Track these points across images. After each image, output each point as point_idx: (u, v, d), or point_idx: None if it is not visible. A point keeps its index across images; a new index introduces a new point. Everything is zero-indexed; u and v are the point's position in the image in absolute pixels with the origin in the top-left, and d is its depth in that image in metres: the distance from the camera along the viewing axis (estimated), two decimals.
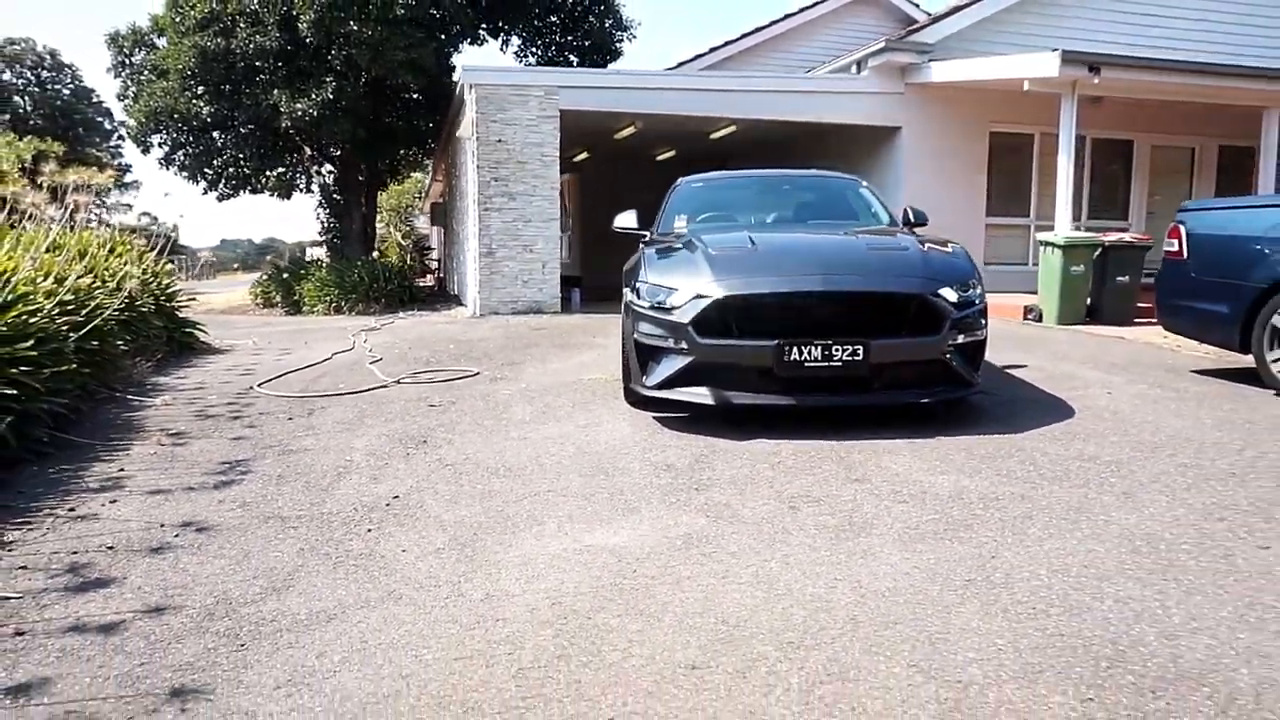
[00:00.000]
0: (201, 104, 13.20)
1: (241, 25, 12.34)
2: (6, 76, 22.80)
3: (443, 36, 12.92)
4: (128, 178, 32.85)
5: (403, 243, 25.22)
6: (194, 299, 8.72)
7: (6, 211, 5.53)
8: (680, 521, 2.89)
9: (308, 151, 15.24)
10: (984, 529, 2.76)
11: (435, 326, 9.50)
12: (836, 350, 3.87)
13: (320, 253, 21.58)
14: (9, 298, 3.96)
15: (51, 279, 5.02)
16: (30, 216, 5.64)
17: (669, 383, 4.14)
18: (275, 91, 12.23)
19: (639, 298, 4.33)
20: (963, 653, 1.96)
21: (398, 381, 5.63)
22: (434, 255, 21.50)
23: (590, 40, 16.43)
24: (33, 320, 4.13)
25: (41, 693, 1.87)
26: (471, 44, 16.62)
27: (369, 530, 2.89)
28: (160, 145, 15.15)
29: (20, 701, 1.84)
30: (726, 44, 15.89)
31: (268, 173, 14.82)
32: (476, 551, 2.69)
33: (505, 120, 10.45)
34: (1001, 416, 4.33)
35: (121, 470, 3.62)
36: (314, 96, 12.02)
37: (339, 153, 15.05)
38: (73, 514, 3.06)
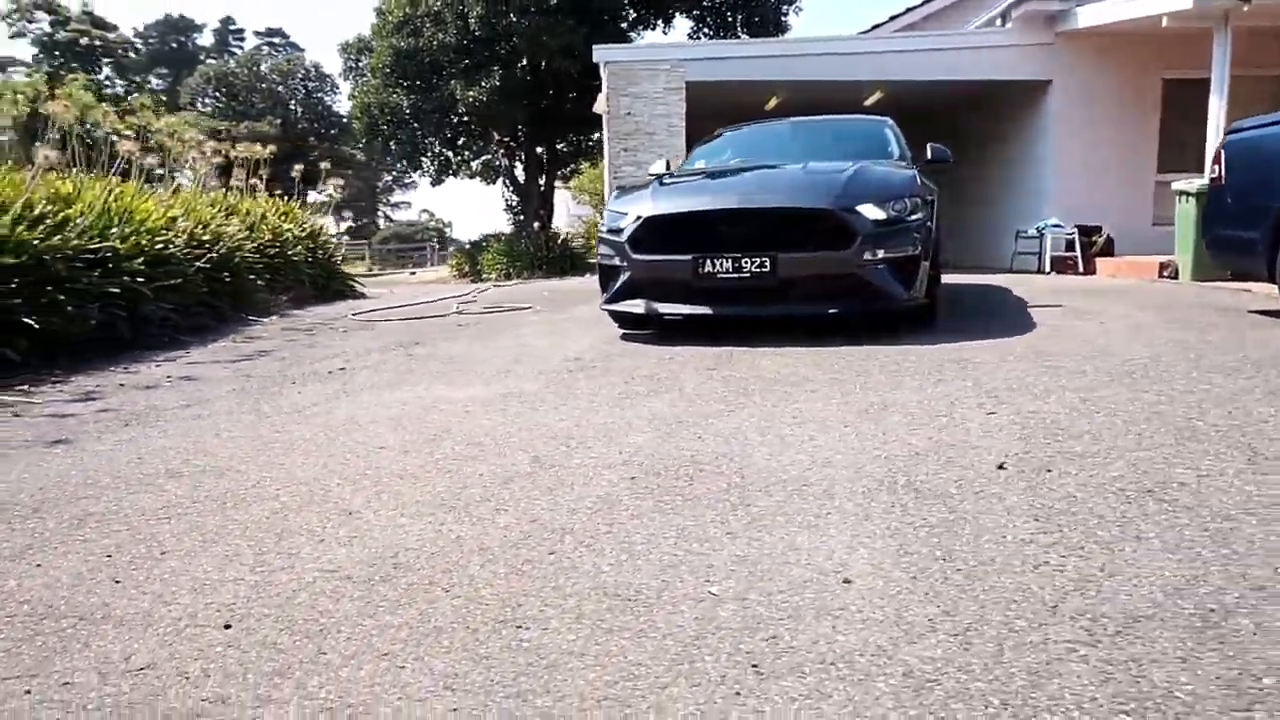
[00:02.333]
0: (400, 97, 15.17)
1: (427, 25, 14.06)
2: (281, 89, 27.08)
3: (607, 19, 13.89)
4: (408, 179, 37.15)
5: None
6: (413, 272, 10.32)
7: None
8: (522, 388, 3.46)
9: (496, 136, 16.90)
10: (760, 397, 3.09)
11: (563, 283, 10.44)
12: (746, 263, 4.20)
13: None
14: (127, 229, 5.26)
15: (195, 224, 6.44)
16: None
17: (615, 297, 4.66)
18: (452, 82, 13.82)
19: (602, 224, 4.88)
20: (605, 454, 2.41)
21: (458, 311, 6.56)
22: None
23: (758, 16, 16.74)
24: (153, 247, 5.44)
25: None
26: (644, 29, 17.57)
27: (294, 384, 3.73)
28: (378, 139, 17.49)
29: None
30: (908, 10, 15.47)
31: (463, 157, 16.63)
32: (356, 395, 3.44)
33: (634, 94, 11.16)
34: (938, 332, 4.42)
35: (185, 353, 4.78)
36: (484, 85, 13.46)
37: (511, 137, 16.57)
38: (129, 371, 4.19)
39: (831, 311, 4.27)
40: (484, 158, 18.42)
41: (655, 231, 4.46)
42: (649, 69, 11.11)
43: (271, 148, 8.77)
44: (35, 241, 4.40)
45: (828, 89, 12.40)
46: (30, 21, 28.86)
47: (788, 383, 3.30)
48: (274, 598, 1.56)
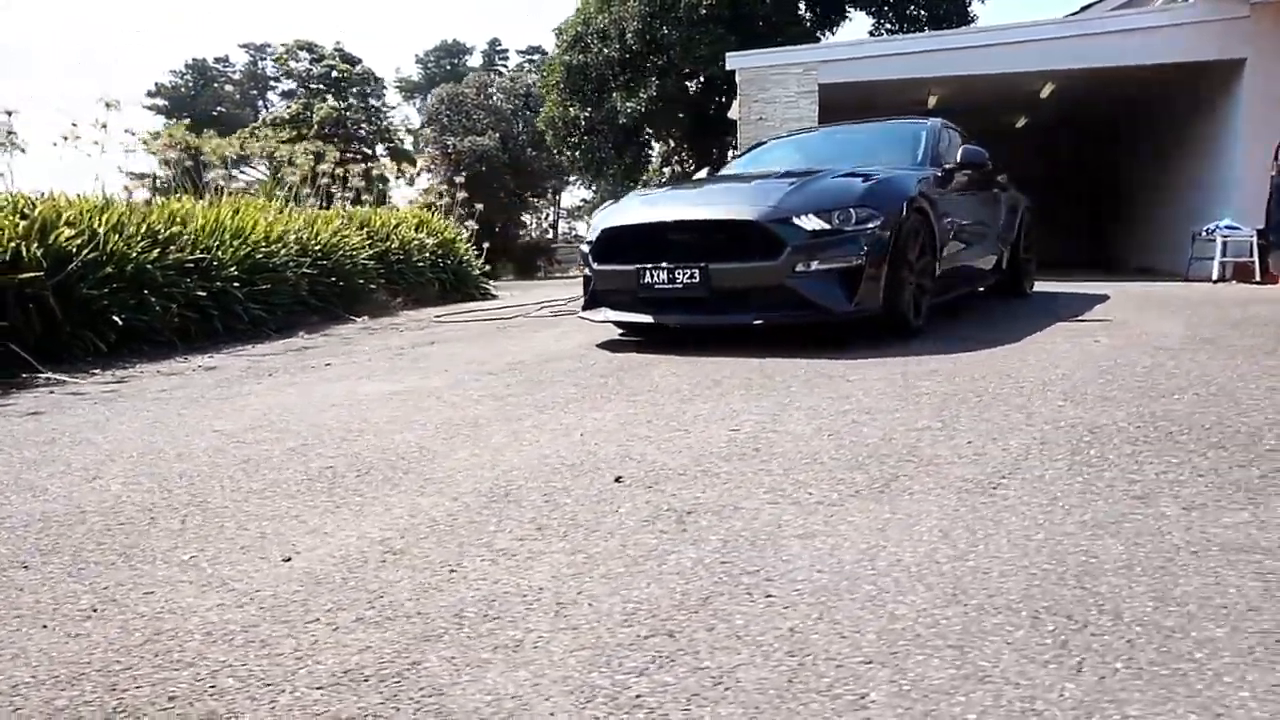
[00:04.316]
0: (574, 111, 16.14)
1: (595, 40, 14.86)
2: (506, 106, 29.50)
3: (761, 24, 13.93)
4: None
5: None
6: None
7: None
8: (426, 386, 3.88)
9: (658, 147, 17.46)
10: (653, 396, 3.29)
11: None
12: (679, 274, 4.33)
13: None
14: (235, 242, 6.31)
15: (311, 236, 7.49)
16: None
17: (585, 305, 4.96)
18: (614, 94, 14.51)
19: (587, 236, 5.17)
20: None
21: (526, 315, 7.12)
22: None
23: (941, 8, 15.89)
24: (252, 257, 6.46)
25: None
26: (822, 30, 17.27)
27: (271, 376, 4.42)
28: (565, 150, 18.66)
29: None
30: None
31: (623, 167, 17.35)
32: (299, 386, 4.03)
33: (765, 99, 11.19)
34: (907, 343, 4.27)
35: (249, 347, 5.69)
36: (642, 95, 14.02)
37: (675, 146, 16.98)
38: (181, 360, 5.13)
39: (757, 322, 4.28)
40: (657, 166, 19.06)
41: (611, 243, 4.70)
42: (779, 73, 11.08)
43: (394, 164, 9.82)
44: (134, 255, 5.48)
45: (990, 83, 11.66)
46: (295, 61, 34.08)
47: (627, 391, 3.45)
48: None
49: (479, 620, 1.46)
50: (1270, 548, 1.63)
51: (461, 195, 12.68)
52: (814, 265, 4.19)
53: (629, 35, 13.48)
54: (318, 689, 1.26)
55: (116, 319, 5.16)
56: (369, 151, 29.56)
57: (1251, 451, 2.25)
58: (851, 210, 4.25)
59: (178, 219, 6.17)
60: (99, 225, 5.38)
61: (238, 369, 4.69)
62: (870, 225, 4.26)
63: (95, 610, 1.57)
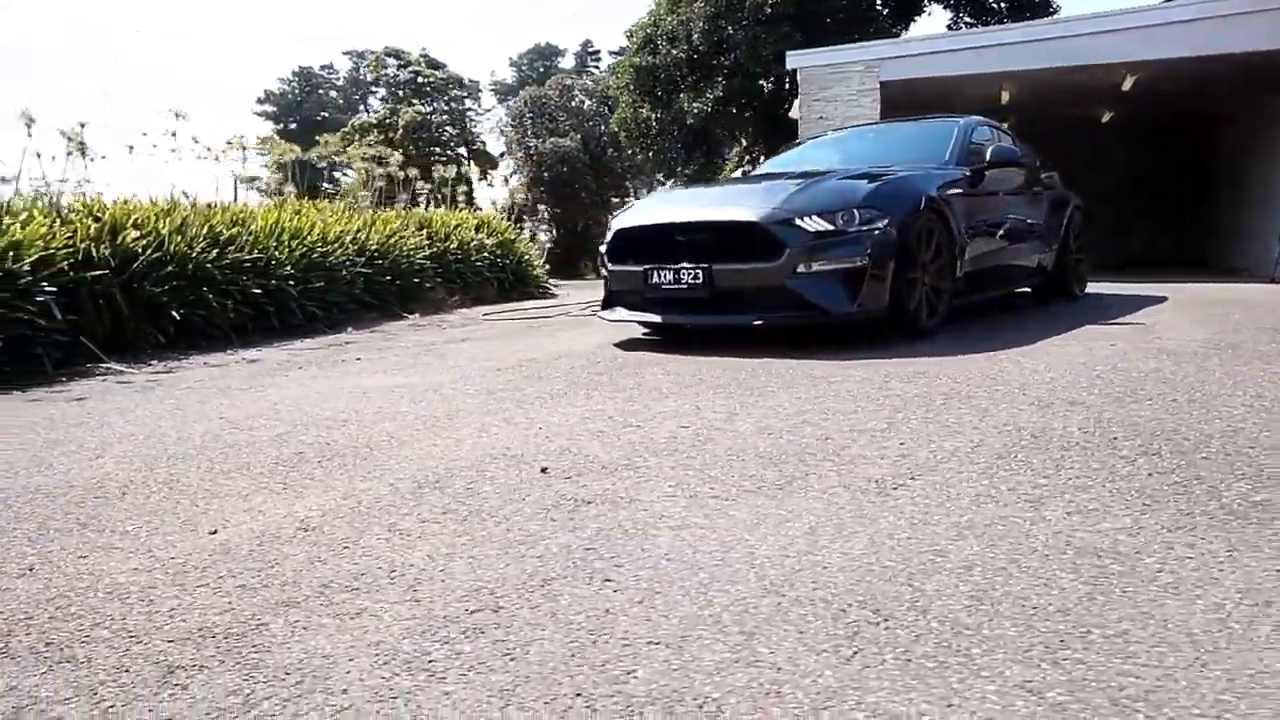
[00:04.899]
0: (644, 112, 16.30)
1: (663, 42, 14.98)
2: (588, 107, 29.99)
3: (829, 22, 13.77)
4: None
5: None
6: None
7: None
8: (430, 381, 4.09)
9: (735, 148, 17.44)
10: (645, 395, 3.42)
11: None
12: (684, 274, 4.41)
13: None
14: (294, 242, 6.70)
15: (369, 236, 7.86)
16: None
17: (603, 305, 5.08)
18: (681, 95, 14.60)
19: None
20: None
21: (566, 314, 7.30)
22: None
23: (1017, 2, 15.37)
24: (309, 256, 6.84)
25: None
26: (898, 26, 16.92)
27: (301, 369, 4.71)
28: (638, 151, 18.88)
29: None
30: None
31: (696, 167, 17.43)
32: (311, 380, 4.30)
33: (826, 98, 11.08)
34: (914, 345, 4.25)
35: (302, 342, 6.04)
36: (708, 95, 14.07)
37: (746, 146, 16.93)
38: (253, 345, 5.50)
39: (757, 323, 4.32)
40: (733, 166, 19.05)
41: (623, 244, 4.81)
42: (839, 71, 10.95)
43: (455, 168, 10.18)
44: (194, 254, 5.90)
45: (1065, 76, 11.24)
46: (385, 68, 35.54)
47: (612, 388, 3.56)
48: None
49: (339, 591, 1.60)
50: (1125, 553, 1.62)
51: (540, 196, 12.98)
52: (815, 266, 4.20)
53: (695, 36, 13.56)
54: (169, 642, 1.42)
55: (175, 314, 5.58)
56: (452, 154, 30.45)
57: (1183, 459, 2.20)
58: (855, 211, 4.25)
59: (239, 221, 6.60)
60: (163, 227, 5.82)
61: (275, 362, 5.01)
62: (875, 226, 4.25)
63: (31, 570, 1.79)
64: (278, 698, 1.24)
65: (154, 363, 5.11)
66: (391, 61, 36.58)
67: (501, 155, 33.71)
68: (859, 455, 2.36)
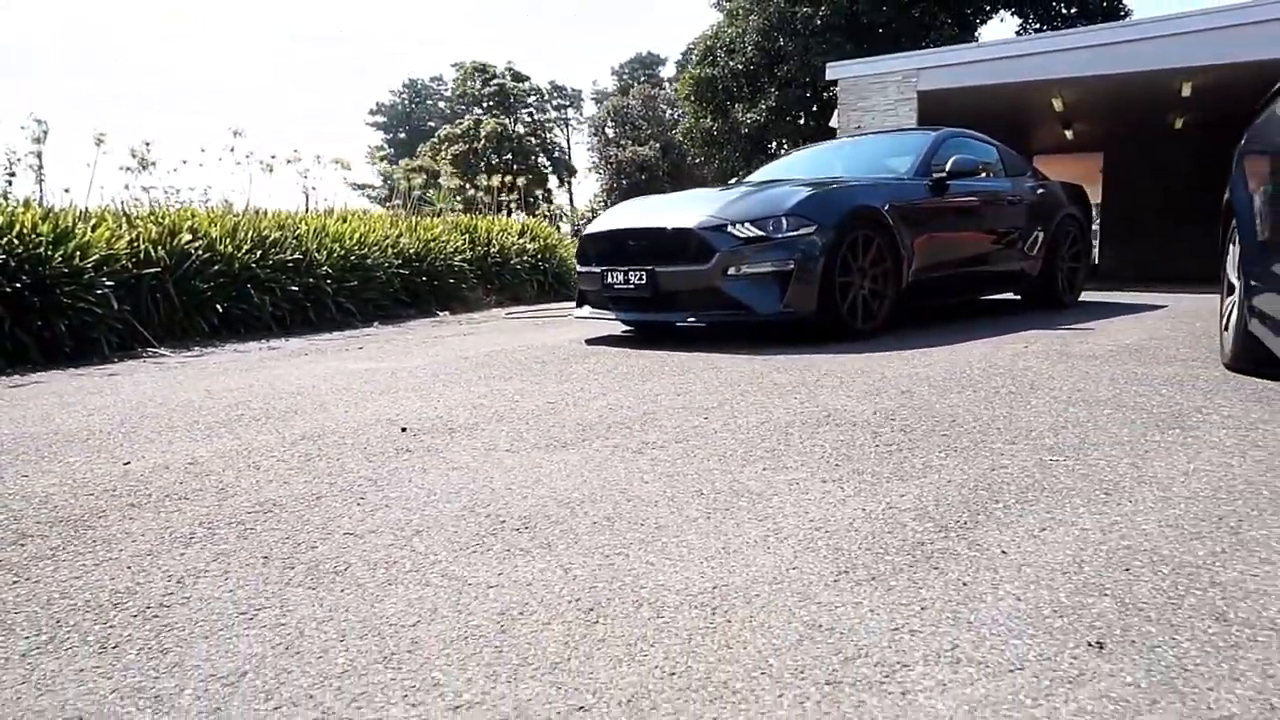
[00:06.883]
0: (705, 122, 16.75)
1: (721, 54, 15.40)
2: (669, 116, 30.68)
3: (882, 31, 13.90)
4: None
5: None
6: None
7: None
8: (407, 365, 4.69)
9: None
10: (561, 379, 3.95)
11: None
12: (631, 276, 4.88)
13: None
14: (334, 245, 7.49)
15: (411, 240, 8.61)
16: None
17: (576, 303, 5.60)
18: (737, 105, 14.98)
19: None
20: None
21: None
22: None
23: (1089, 3, 15.05)
24: (347, 258, 7.62)
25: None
26: (963, 34, 16.79)
27: (306, 357, 5.40)
28: (701, 159, 19.36)
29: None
30: None
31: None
32: (355, 362, 4.97)
33: (864, 108, 11.29)
34: (854, 344, 4.59)
35: (330, 334, 6.78)
36: (761, 105, 14.40)
37: None
38: (287, 336, 6.27)
39: (691, 320, 4.74)
40: None
41: (589, 248, 5.32)
42: (877, 82, 11.14)
43: (510, 178, 10.88)
44: (240, 255, 6.73)
45: (1121, 83, 11.09)
46: (471, 82, 37.37)
47: (547, 375, 4.06)
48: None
49: (174, 499, 2.17)
50: (755, 490, 2.02)
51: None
52: (745, 269, 4.60)
53: (749, 48, 13.94)
54: (37, 523, 2.02)
55: (218, 307, 6.41)
56: (533, 163, 31.59)
57: (918, 434, 2.55)
58: (784, 219, 4.62)
59: (284, 225, 7.43)
60: (214, 231, 6.67)
61: (291, 350, 5.74)
62: (803, 233, 4.61)
63: None
64: (86, 559, 1.81)
65: (195, 349, 5.92)
66: (478, 75, 38.41)
67: (592, 166, 34.69)
68: (658, 426, 2.79)
